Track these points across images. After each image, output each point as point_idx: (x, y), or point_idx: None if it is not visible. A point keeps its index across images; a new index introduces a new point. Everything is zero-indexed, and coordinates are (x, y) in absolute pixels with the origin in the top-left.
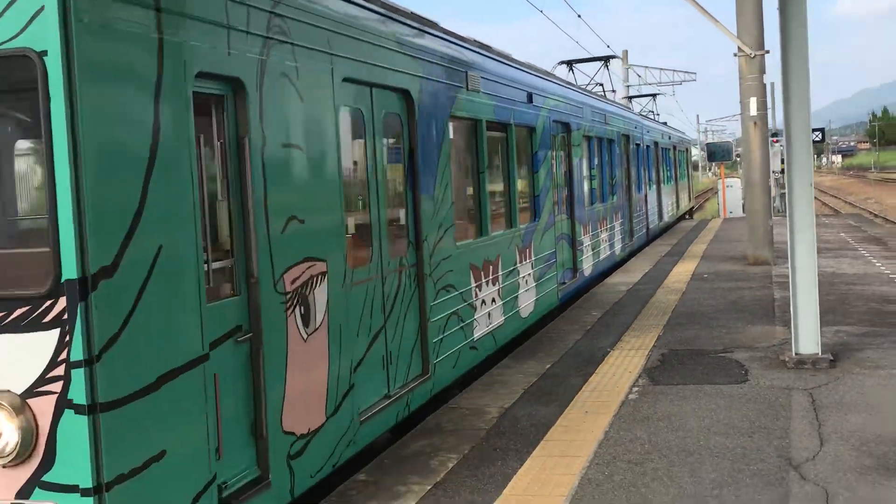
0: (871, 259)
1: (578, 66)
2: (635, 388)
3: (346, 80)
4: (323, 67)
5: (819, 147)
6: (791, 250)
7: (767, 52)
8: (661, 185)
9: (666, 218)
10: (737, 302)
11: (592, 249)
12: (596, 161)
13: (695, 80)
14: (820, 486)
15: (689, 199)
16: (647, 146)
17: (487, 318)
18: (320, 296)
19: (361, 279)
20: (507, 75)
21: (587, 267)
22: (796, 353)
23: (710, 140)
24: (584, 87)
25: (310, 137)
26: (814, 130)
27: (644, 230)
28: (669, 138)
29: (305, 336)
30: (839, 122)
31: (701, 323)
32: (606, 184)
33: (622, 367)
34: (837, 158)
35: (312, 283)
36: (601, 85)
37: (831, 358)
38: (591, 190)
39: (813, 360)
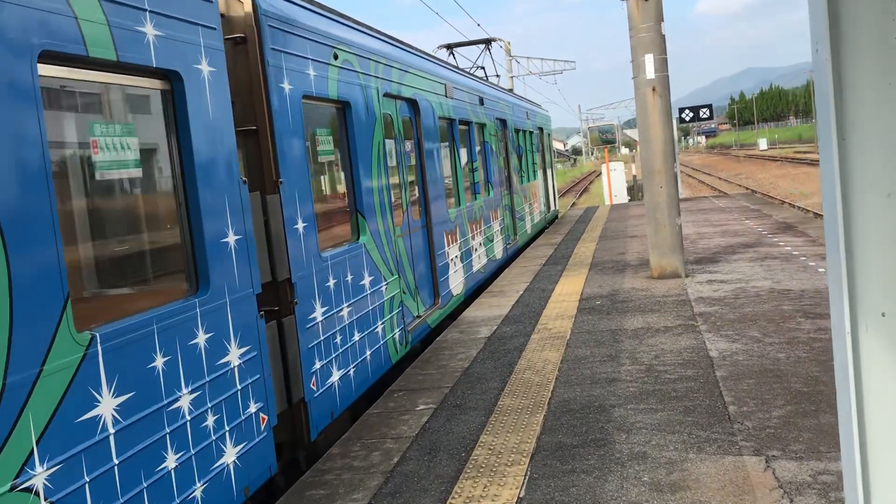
0: (805, 260)
1: None
2: None
3: None
4: None
5: (685, 128)
6: (848, 390)
7: None
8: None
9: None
10: (653, 370)
11: None
12: None
13: (574, 68)
14: None
15: (550, 204)
16: (365, 108)
17: None
18: None
19: None
20: None
21: None
22: None
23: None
24: None
25: None
26: (702, 107)
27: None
28: (481, 103)
29: None
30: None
31: (601, 445)
32: None
33: None
34: (702, 139)
35: None
36: None
37: None
38: None
39: None
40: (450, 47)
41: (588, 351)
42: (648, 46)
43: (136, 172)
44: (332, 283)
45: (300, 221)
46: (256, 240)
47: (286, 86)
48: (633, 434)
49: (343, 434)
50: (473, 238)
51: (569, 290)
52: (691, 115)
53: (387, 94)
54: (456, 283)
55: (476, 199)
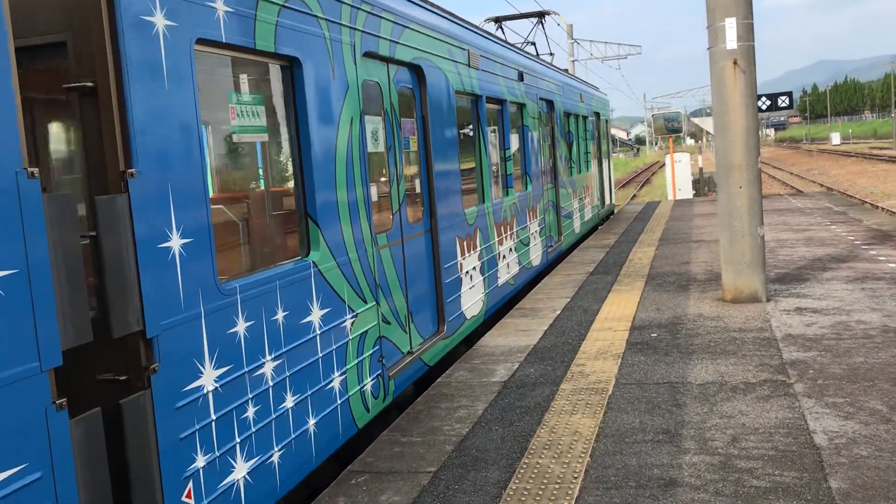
0: None
1: None
2: None
3: None
4: None
5: None
6: None
7: None
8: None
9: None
10: (731, 468)
11: None
12: None
13: (640, 53)
14: None
15: (606, 199)
16: None
17: None
18: None
19: None
20: None
21: None
22: None
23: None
24: None
25: None
26: (781, 94)
27: None
28: (520, 79)
29: None
30: None
31: None
32: None
33: None
34: (770, 132)
35: None
36: None
37: None
38: None
39: None
40: (498, 20)
41: (636, 419)
42: (730, 7)
43: None
44: (242, 327)
45: (175, 236)
46: (62, 272)
47: (158, 20)
48: None
49: None
50: (501, 243)
51: (618, 313)
52: (768, 102)
53: (370, 55)
54: (471, 302)
55: (508, 194)
